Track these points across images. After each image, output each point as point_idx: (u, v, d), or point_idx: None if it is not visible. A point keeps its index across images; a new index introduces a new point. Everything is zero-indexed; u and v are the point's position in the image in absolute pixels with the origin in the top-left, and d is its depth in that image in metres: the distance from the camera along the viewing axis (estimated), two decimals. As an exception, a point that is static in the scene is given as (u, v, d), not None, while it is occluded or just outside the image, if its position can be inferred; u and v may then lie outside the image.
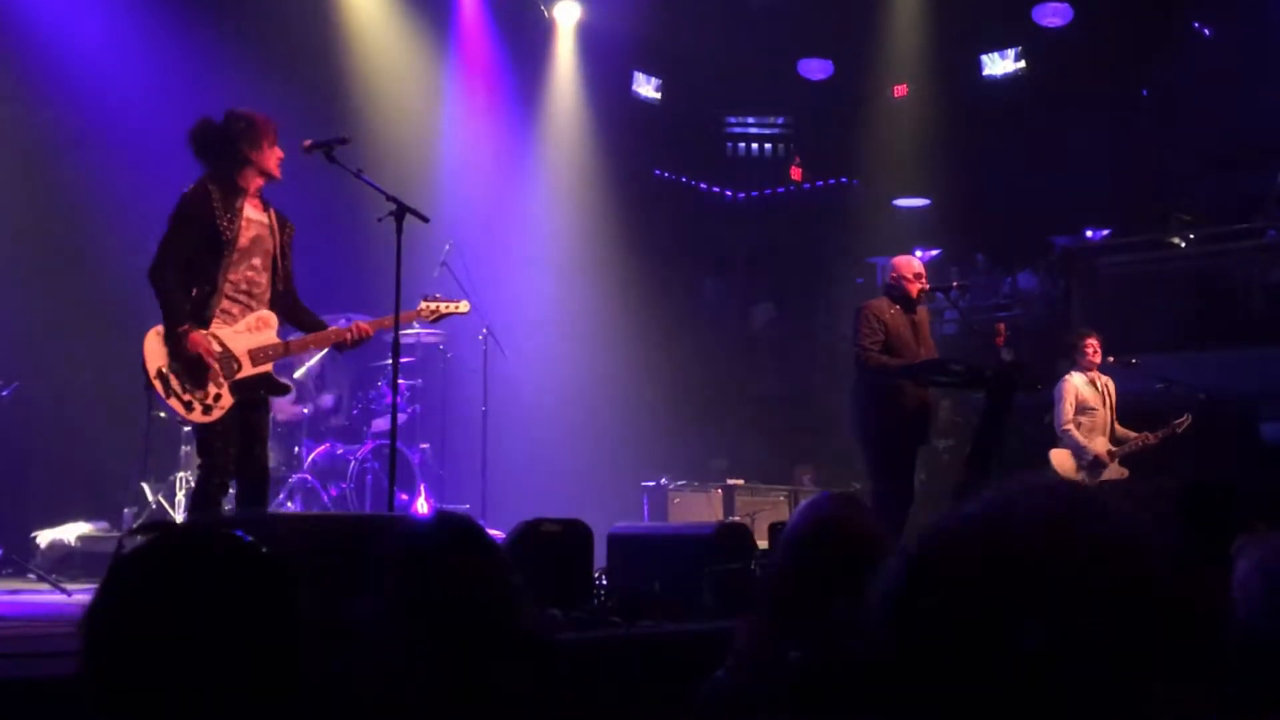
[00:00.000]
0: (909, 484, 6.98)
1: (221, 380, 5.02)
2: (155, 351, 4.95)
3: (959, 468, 7.56)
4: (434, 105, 11.02)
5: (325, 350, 7.43)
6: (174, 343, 4.94)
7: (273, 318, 5.25)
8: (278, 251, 5.28)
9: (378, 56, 10.47)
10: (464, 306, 5.97)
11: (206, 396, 4.99)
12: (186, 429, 7.69)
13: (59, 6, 8.50)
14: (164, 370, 4.94)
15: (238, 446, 5.10)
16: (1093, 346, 8.32)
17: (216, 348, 5.03)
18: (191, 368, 4.95)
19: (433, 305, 5.84)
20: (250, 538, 1.44)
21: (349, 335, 5.39)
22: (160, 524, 1.49)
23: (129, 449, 8.01)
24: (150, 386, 4.96)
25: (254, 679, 1.36)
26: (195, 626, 1.34)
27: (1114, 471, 8.17)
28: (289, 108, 6.92)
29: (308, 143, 5.43)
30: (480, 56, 11.28)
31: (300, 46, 9.84)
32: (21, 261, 8.00)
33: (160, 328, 4.98)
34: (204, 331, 5.00)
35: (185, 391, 4.96)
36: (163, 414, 7.88)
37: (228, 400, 5.03)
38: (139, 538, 1.43)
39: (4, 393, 7.28)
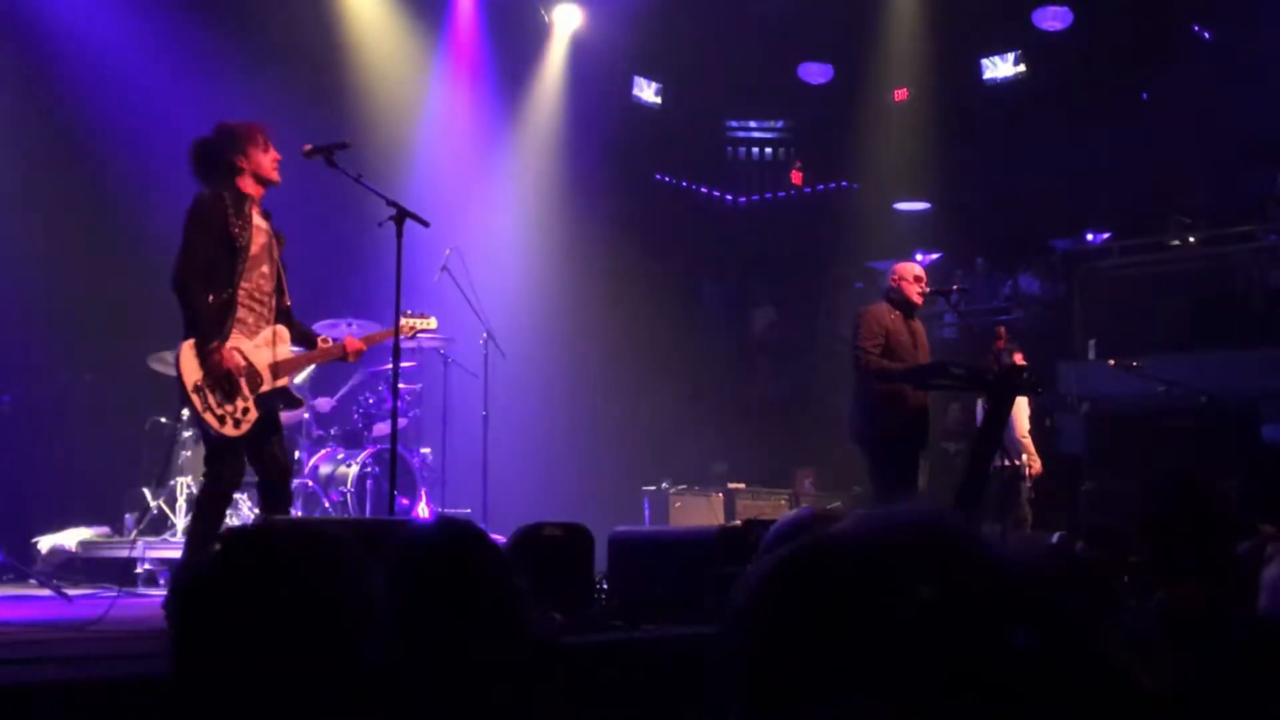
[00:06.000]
0: (912, 487, 6.95)
1: (247, 394, 5.04)
2: (191, 365, 4.95)
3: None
4: (434, 110, 11.02)
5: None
6: (205, 359, 4.94)
7: (285, 332, 5.27)
8: (281, 262, 5.30)
9: (377, 63, 10.48)
10: (432, 323, 6.27)
11: (236, 411, 5.00)
12: (187, 434, 7.70)
13: (65, 11, 8.51)
14: (200, 384, 4.94)
15: (255, 448, 5.12)
16: (1021, 355, 8.37)
17: (241, 362, 5.04)
18: (223, 382, 4.96)
19: (411, 321, 5.96)
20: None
21: (347, 356, 5.55)
22: (235, 529, 1.52)
23: (128, 454, 8.01)
24: (188, 400, 4.95)
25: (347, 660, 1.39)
26: (294, 613, 1.37)
27: None
28: (290, 114, 6.92)
29: (308, 147, 5.41)
30: (480, 61, 11.29)
31: (303, 53, 9.85)
32: (22, 268, 8.00)
33: (191, 341, 4.97)
34: (230, 346, 5.02)
35: (219, 406, 4.96)
36: (163, 419, 7.91)
37: (254, 414, 5.04)
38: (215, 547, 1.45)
39: (5, 399, 7.29)
